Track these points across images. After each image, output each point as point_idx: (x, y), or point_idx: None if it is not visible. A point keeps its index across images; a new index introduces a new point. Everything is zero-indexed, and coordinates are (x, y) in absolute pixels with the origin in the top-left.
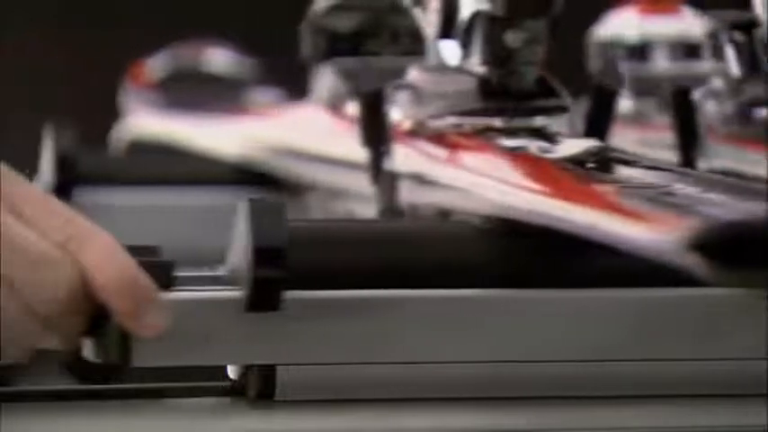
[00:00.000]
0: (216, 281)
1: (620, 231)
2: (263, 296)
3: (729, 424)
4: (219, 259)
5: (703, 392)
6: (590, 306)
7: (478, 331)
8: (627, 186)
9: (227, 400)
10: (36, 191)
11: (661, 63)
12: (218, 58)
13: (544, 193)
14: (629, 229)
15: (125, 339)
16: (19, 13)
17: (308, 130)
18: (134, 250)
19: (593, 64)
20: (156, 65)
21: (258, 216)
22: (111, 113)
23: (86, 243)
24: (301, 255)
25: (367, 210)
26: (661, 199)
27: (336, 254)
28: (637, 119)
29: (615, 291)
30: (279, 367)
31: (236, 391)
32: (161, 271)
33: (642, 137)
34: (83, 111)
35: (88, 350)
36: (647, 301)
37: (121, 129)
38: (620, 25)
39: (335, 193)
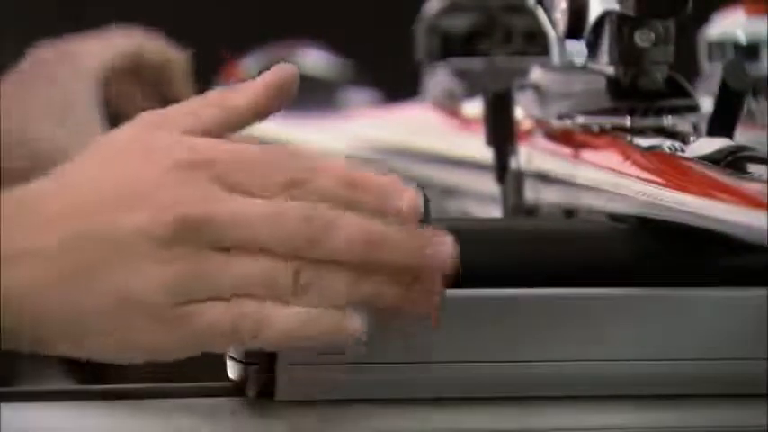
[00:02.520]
0: None
1: None
2: None
3: (729, 424)
4: None
5: (703, 392)
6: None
7: (620, 329)
8: None
9: (227, 400)
10: (236, 148)
11: None
12: (312, 59)
13: (690, 192)
14: None
15: None
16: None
17: (419, 130)
18: None
19: (704, 65)
20: (250, 65)
21: None
22: None
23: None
24: None
25: (484, 209)
26: None
27: (478, 253)
28: (748, 119)
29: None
30: (278, 367)
31: (236, 391)
32: None
33: (753, 137)
34: None
35: None
36: None
37: None
38: (728, 26)
39: (450, 192)
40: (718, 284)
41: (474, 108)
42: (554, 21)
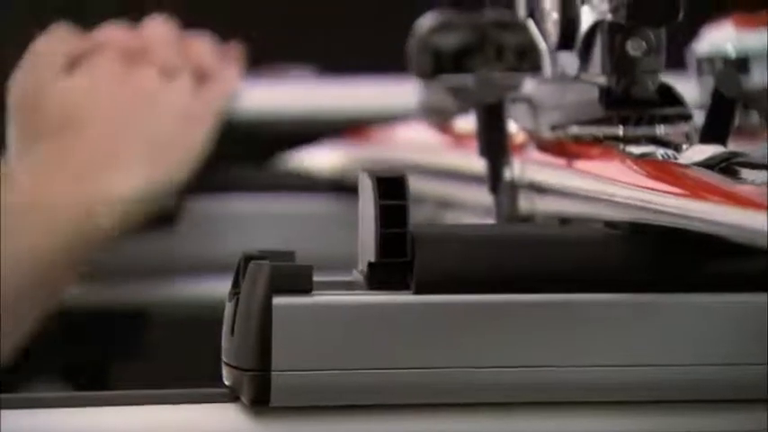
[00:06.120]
0: (350, 286)
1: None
2: None
3: (730, 429)
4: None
5: (703, 398)
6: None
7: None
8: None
9: (222, 406)
10: None
11: (759, 77)
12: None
13: (686, 196)
14: None
15: None
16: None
17: (414, 146)
18: (271, 255)
19: (694, 77)
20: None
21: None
22: None
23: None
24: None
25: (479, 220)
26: None
27: (473, 258)
28: (737, 132)
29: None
30: (274, 373)
31: (231, 397)
32: (301, 275)
33: (744, 149)
34: None
35: None
36: None
37: None
38: (717, 39)
39: (444, 205)
40: (717, 289)
41: (467, 124)
42: (545, 32)
